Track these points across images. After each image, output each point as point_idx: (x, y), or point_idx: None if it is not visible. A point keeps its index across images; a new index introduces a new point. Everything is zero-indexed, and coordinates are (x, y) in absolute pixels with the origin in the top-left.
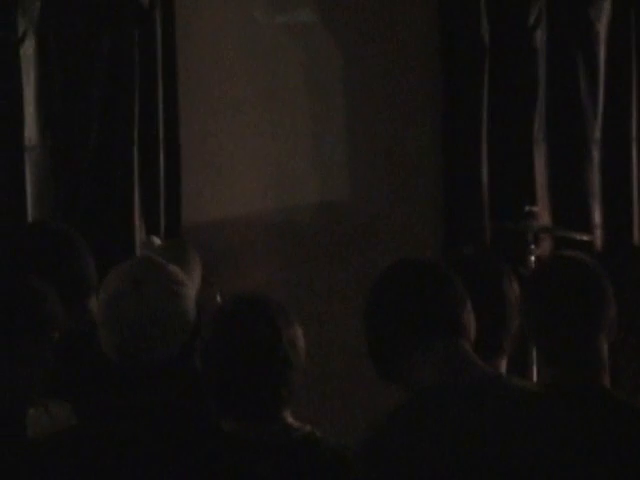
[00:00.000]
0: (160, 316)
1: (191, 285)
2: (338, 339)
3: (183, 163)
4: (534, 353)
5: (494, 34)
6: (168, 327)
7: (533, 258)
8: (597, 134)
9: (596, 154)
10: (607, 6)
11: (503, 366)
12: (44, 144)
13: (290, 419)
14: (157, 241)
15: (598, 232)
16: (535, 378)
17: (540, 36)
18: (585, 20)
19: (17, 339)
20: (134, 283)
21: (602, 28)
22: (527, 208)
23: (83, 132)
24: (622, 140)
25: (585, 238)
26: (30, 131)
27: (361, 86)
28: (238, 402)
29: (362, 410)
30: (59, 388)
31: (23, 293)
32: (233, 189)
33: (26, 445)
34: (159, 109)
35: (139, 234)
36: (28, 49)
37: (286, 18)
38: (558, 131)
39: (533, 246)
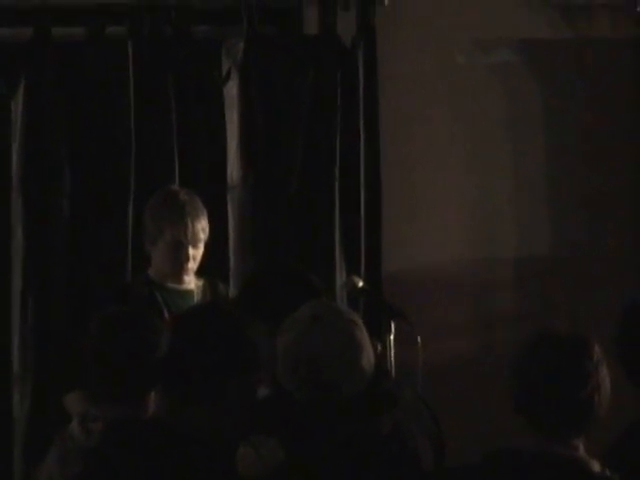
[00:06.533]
0: (343, 346)
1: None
2: None
3: (384, 204)
4: None
5: None
6: (353, 357)
7: None
8: None
9: None
10: None
11: None
12: (246, 183)
13: (582, 452)
14: (359, 281)
15: None
16: None
17: None
18: None
19: (225, 382)
20: (313, 318)
21: None
22: None
23: (285, 171)
24: None
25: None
26: (232, 169)
27: (561, 125)
28: (544, 419)
29: None
30: (266, 424)
31: (234, 338)
32: (433, 229)
33: None
34: (361, 149)
35: (339, 273)
36: (232, 89)
37: (487, 59)
38: None
39: None
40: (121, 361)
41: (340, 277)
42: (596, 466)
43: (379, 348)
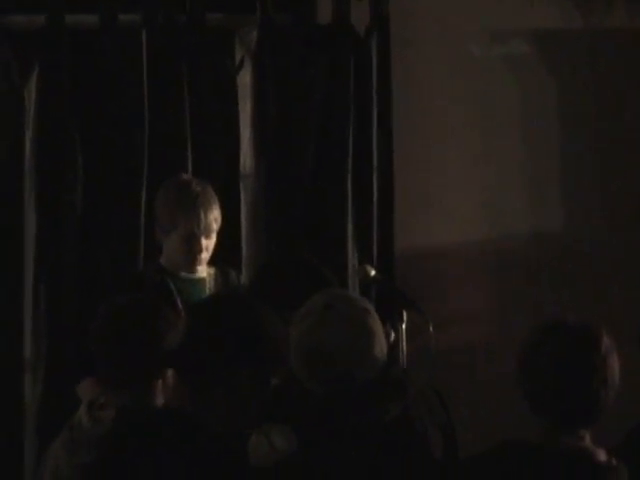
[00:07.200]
0: (356, 335)
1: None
2: None
3: (396, 192)
4: None
5: None
6: (366, 345)
7: None
8: None
9: None
10: None
11: None
12: (259, 171)
13: (588, 442)
14: (371, 270)
15: None
16: None
17: None
18: None
19: (239, 371)
20: (326, 307)
21: None
22: None
23: (298, 160)
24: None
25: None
26: (245, 158)
27: (574, 116)
28: (551, 410)
29: None
30: (279, 413)
31: (250, 328)
32: (445, 218)
33: (249, 472)
34: (373, 137)
35: (352, 262)
36: (244, 77)
37: (501, 50)
38: None
39: None
40: (127, 347)
41: (352, 266)
42: (602, 456)
43: (392, 335)
